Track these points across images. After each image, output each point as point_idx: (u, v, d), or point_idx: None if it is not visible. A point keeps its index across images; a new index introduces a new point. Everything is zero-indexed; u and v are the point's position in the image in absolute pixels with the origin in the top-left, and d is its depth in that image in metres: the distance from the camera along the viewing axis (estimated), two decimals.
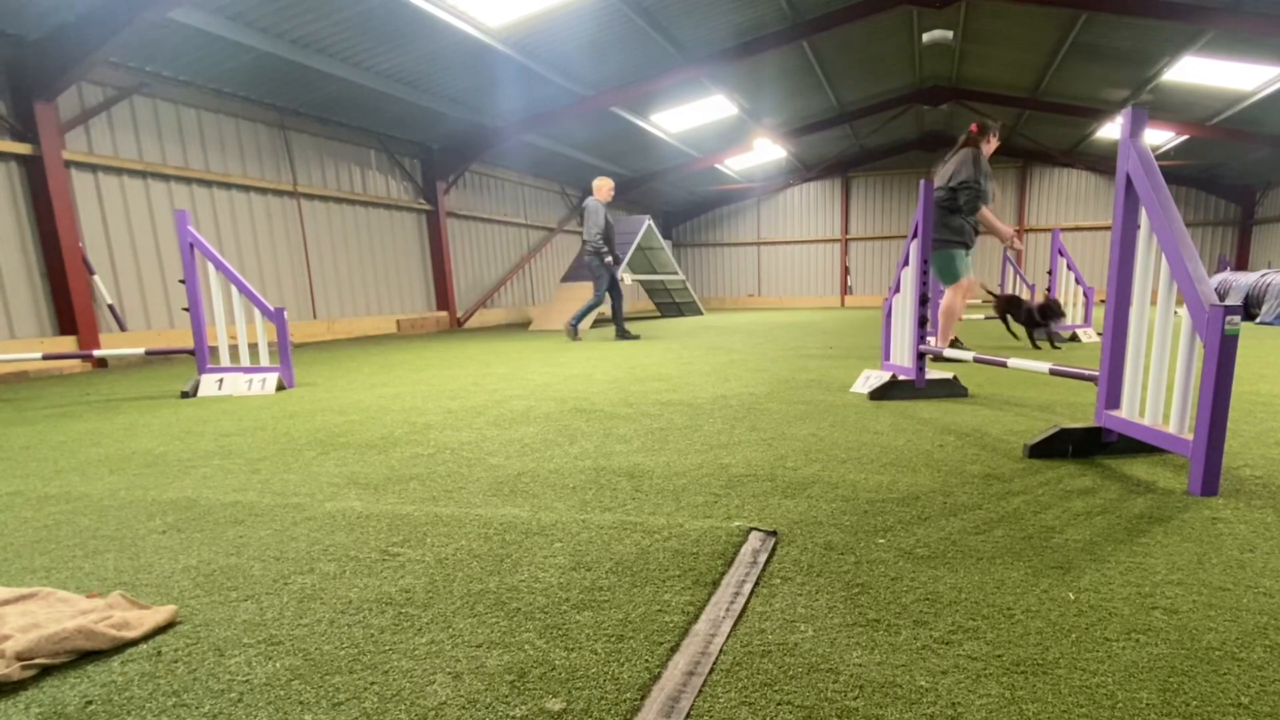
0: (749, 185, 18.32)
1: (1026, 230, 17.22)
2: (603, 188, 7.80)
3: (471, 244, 12.88)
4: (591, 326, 8.23)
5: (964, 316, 5.14)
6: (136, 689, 1.08)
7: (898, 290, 3.66)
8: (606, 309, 9.56)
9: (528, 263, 14.54)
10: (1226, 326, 1.72)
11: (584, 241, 7.85)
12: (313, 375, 5.27)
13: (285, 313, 4.36)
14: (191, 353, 4.40)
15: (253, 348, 7.28)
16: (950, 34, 10.04)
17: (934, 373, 3.57)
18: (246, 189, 8.54)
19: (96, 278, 6.88)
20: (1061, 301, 6.96)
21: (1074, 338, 6.72)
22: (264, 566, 1.54)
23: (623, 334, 8.09)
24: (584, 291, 11.05)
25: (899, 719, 0.95)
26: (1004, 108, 13.52)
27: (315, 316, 9.55)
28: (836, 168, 18.22)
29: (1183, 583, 1.34)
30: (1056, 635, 1.16)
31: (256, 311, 4.25)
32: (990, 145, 4.97)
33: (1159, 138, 13.19)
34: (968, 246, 4.92)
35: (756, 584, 1.38)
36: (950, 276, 5.01)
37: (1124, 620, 1.20)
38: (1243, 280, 9.32)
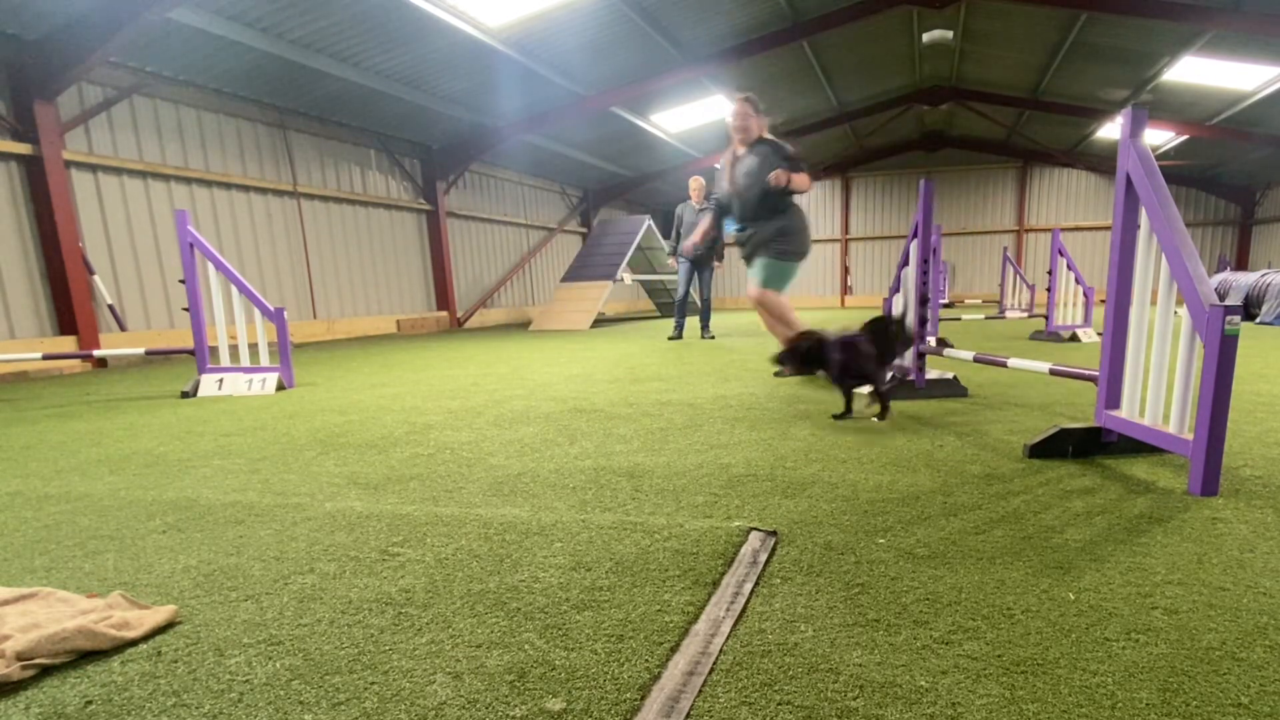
0: None
1: (1026, 230, 17.20)
2: (689, 188, 7.79)
3: (471, 244, 12.88)
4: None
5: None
6: (136, 689, 1.08)
7: (898, 290, 3.66)
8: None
9: (528, 263, 14.55)
10: (1226, 326, 1.72)
11: None
12: (313, 375, 5.27)
13: (285, 313, 4.37)
14: (191, 353, 4.40)
15: (253, 348, 7.26)
16: (950, 34, 10.04)
17: (934, 372, 3.57)
18: (246, 189, 8.54)
19: (96, 278, 6.87)
20: (1062, 303, 6.87)
21: (1074, 337, 6.72)
22: (264, 566, 1.54)
23: (677, 330, 8.01)
24: (585, 291, 11.07)
25: (899, 719, 0.95)
26: (1004, 108, 13.52)
27: (315, 316, 9.55)
28: (836, 168, 18.22)
29: (1183, 583, 1.34)
30: (1056, 635, 1.16)
31: (256, 311, 4.25)
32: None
33: (1159, 138, 13.19)
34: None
35: (756, 584, 1.38)
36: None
37: (1124, 620, 1.20)
38: (1243, 280, 9.32)
